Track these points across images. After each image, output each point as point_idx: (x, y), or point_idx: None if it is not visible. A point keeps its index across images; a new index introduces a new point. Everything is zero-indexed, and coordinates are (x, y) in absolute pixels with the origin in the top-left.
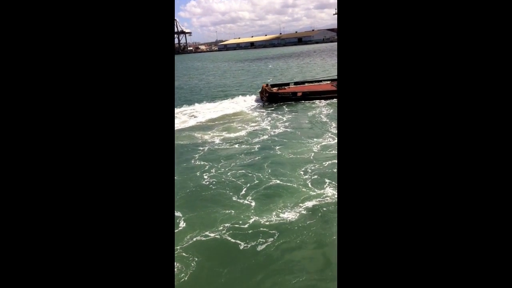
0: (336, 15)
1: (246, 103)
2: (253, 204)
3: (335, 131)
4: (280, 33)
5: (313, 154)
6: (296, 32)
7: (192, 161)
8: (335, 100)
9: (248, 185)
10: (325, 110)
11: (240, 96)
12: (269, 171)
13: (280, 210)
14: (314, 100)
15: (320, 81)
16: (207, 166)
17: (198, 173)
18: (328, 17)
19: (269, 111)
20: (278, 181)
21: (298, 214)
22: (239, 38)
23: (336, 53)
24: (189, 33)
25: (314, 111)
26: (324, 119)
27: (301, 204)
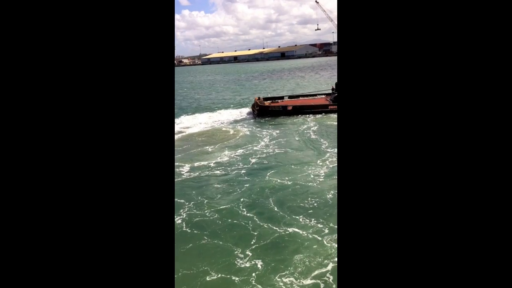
0: (318, 30)
1: (239, 115)
2: (247, 265)
3: (324, 149)
4: (264, 48)
5: (308, 182)
6: (279, 47)
7: None
8: (326, 115)
9: (235, 232)
10: (314, 125)
11: (231, 109)
12: (263, 210)
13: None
14: (305, 114)
15: (315, 95)
16: (187, 202)
17: (176, 212)
18: (310, 33)
19: (258, 126)
20: (277, 229)
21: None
22: (223, 52)
23: (319, 69)
24: None
25: (304, 126)
26: (313, 136)
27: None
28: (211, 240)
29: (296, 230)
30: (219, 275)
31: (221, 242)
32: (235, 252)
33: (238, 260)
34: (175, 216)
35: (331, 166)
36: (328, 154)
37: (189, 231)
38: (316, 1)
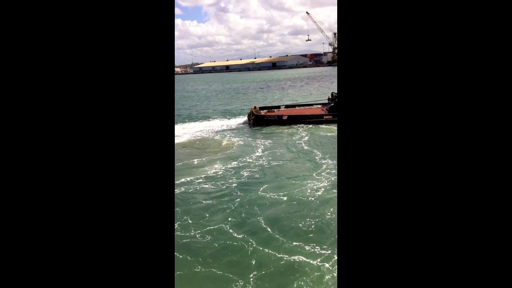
0: (308, 41)
1: (233, 125)
2: None
3: (319, 160)
4: (255, 57)
5: (305, 198)
6: (270, 57)
7: None
8: (322, 126)
9: (228, 258)
10: (308, 136)
11: (225, 118)
12: (256, 231)
13: None
14: (300, 124)
15: (312, 104)
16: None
17: None
18: (301, 43)
19: (252, 136)
20: (274, 253)
21: None
22: (215, 61)
23: (310, 81)
24: None
25: (298, 136)
26: (308, 147)
27: None
28: (202, 267)
29: (293, 256)
30: None
31: (213, 270)
32: (230, 282)
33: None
34: None
35: (328, 179)
36: (324, 166)
37: (176, 255)
38: (307, 12)
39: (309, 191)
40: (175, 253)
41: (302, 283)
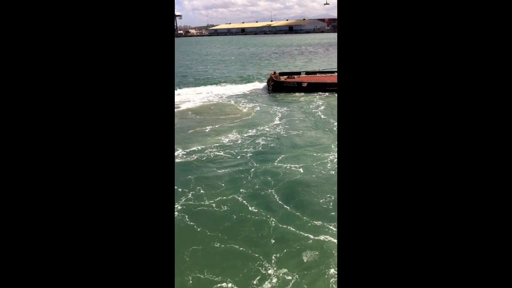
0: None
1: (251, 90)
2: (266, 274)
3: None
4: (271, 20)
5: (323, 171)
6: (287, 20)
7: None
8: None
9: (246, 233)
10: (329, 105)
11: (241, 84)
12: (273, 205)
13: None
14: (321, 92)
15: (333, 72)
16: (186, 192)
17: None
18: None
19: (269, 103)
20: (292, 229)
21: None
22: (230, 23)
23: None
24: (180, 16)
25: (318, 103)
26: (327, 117)
27: None
28: (220, 243)
29: (316, 235)
30: (236, 287)
31: (232, 245)
32: (252, 260)
33: (254, 268)
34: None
35: None
36: None
37: (190, 227)
38: None
39: (329, 164)
40: (192, 225)
41: (323, 265)
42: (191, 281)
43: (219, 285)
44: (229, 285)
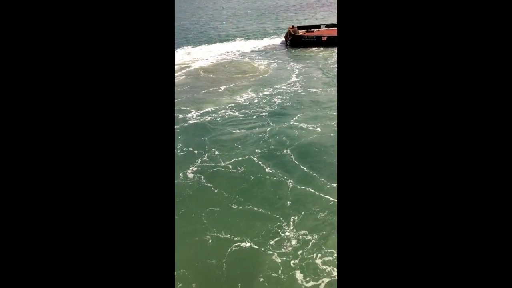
0: None
1: (267, 46)
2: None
3: None
4: None
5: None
6: None
7: (184, 137)
8: None
9: (264, 194)
10: None
11: (258, 39)
12: (290, 167)
13: None
14: None
15: None
16: (202, 153)
17: (191, 166)
18: None
19: (286, 59)
20: (313, 192)
21: None
22: None
23: None
24: None
25: (335, 59)
26: None
27: None
28: (238, 205)
29: (332, 196)
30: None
31: (250, 207)
32: (269, 219)
33: (273, 230)
34: (189, 167)
35: None
36: None
37: (207, 188)
38: None
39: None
40: (209, 186)
41: None
42: (210, 241)
43: (238, 244)
44: (248, 244)
